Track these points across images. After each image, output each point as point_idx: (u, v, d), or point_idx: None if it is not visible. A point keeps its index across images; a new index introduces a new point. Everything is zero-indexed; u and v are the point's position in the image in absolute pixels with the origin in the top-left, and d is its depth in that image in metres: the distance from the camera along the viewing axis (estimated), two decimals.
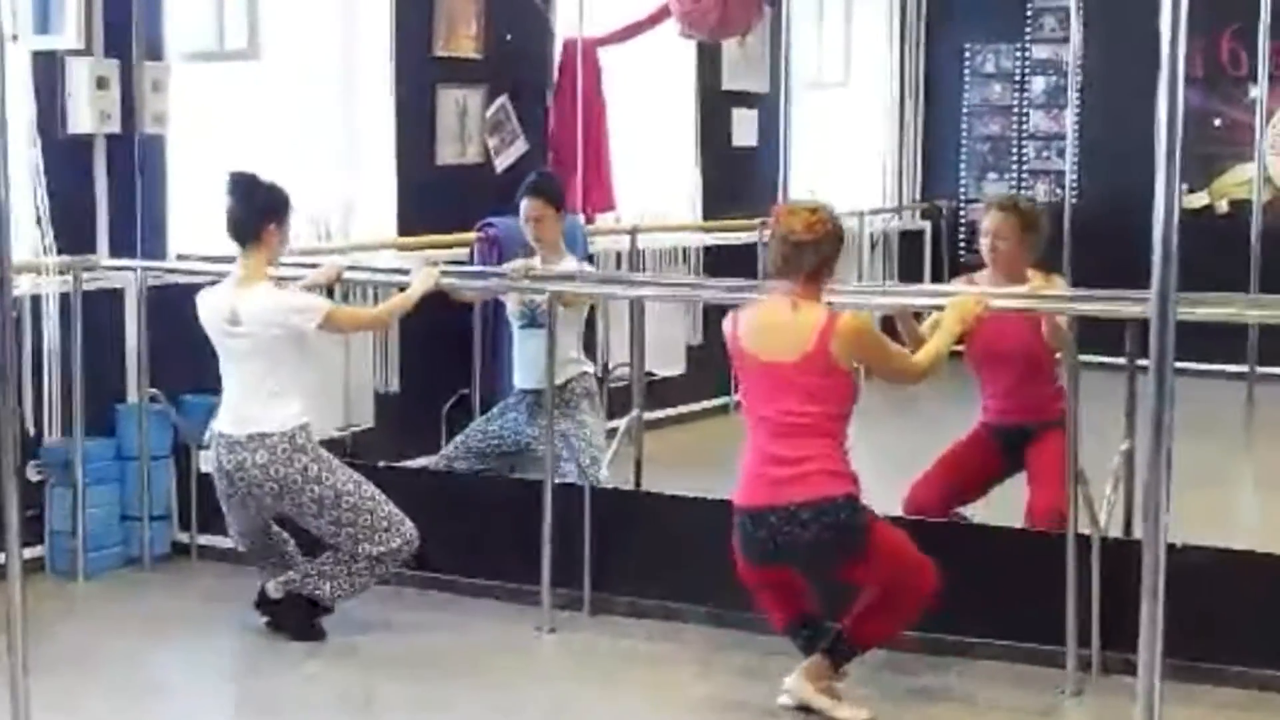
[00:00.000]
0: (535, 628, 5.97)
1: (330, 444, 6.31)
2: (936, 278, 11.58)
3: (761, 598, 5.20)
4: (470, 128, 8.50)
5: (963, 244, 12.21)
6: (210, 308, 5.77)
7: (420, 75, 8.15)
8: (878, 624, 5.06)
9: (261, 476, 5.65)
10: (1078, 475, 5.30)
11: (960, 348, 5.71)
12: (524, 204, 7.00)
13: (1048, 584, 5.32)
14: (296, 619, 5.79)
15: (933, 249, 12.07)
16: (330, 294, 6.53)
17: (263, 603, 5.84)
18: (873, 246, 11.33)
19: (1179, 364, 3.33)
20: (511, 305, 7.01)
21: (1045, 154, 12.09)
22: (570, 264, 7.02)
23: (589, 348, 7.39)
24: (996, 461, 6.03)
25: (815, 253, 4.96)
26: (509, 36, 8.63)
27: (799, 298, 4.97)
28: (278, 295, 5.76)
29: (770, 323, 5.00)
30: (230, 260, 5.93)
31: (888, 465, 6.26)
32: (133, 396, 6.81)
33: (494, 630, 5.99)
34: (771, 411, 4.95)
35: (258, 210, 5.74)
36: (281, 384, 5.68)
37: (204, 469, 6.66)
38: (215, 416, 5.84)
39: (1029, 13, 12.29)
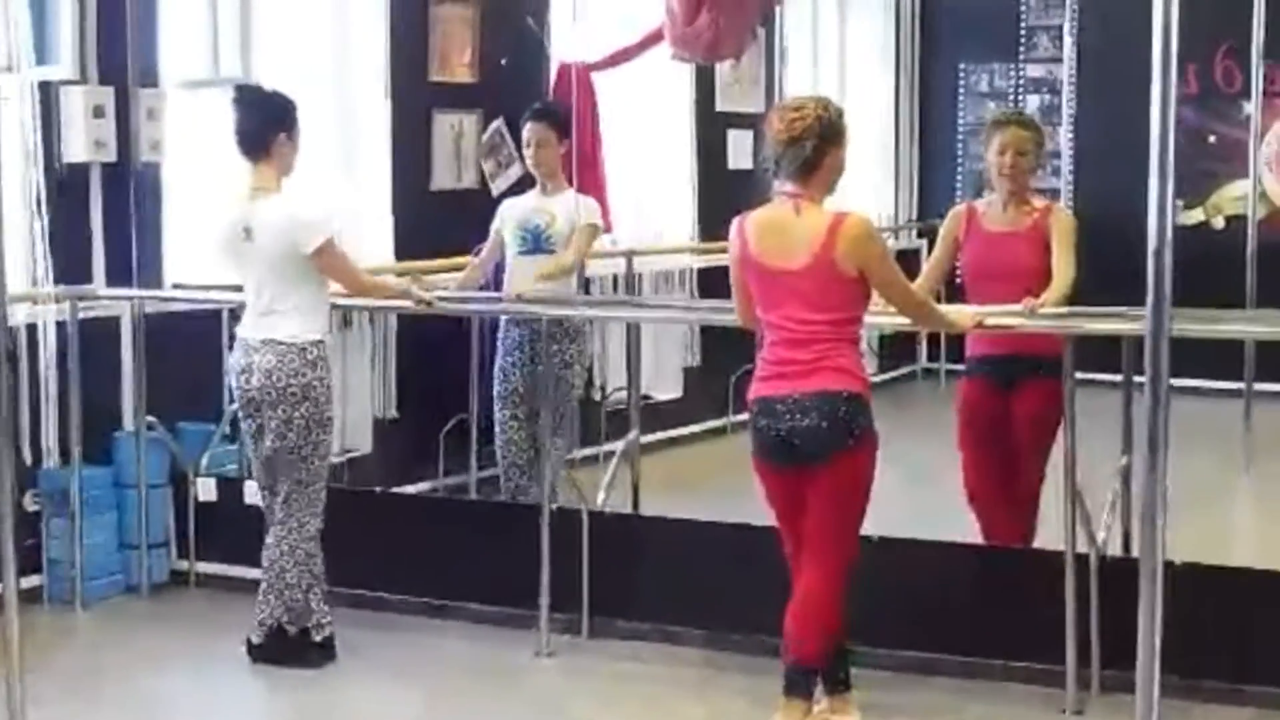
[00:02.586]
0: (534, 652, 5.96)
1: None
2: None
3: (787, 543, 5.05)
4: (466, 152, 8.50)
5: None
6: (226, 224, 5.75)
7: (416, 100, 8.16)
8: (827, 618, 4.93)
9: (263, 381, 5.66)
10: (1076, 493, 5.30)
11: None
12: (525, 129, 7.04)
13: (1047, 603, 5.31)
14: (287, 649, 5.79)
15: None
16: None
17: (252, 649, 5.83)
18: None
19: (1175, 380, 3.33)
20: (509, 232, 7.03)
21: (1040, 172, 12.09)
22: (568, 197, 7.04)
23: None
24: (998, 403, 5.94)
25: (802, 150, 4.83)
26: (504, 61, 8.64)
27: (800, 200, 4.85)
28: (290, 206, 5.73)
29: (774, 227, 4.88)
30: (235, 289, 5.95)
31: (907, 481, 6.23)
32: (130, 425, 6.80)
33: (493, 654, 5.98)
34: (779, 318, 4.87)
35: (267, 121, 5.73)
36: (302, 303, 5.71)
37: (202, 497, 6.68)
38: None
39: (1023, 32, 12.31)
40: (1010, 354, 5.86)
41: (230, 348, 6.10)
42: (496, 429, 7.05)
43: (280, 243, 5.65)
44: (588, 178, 8.45)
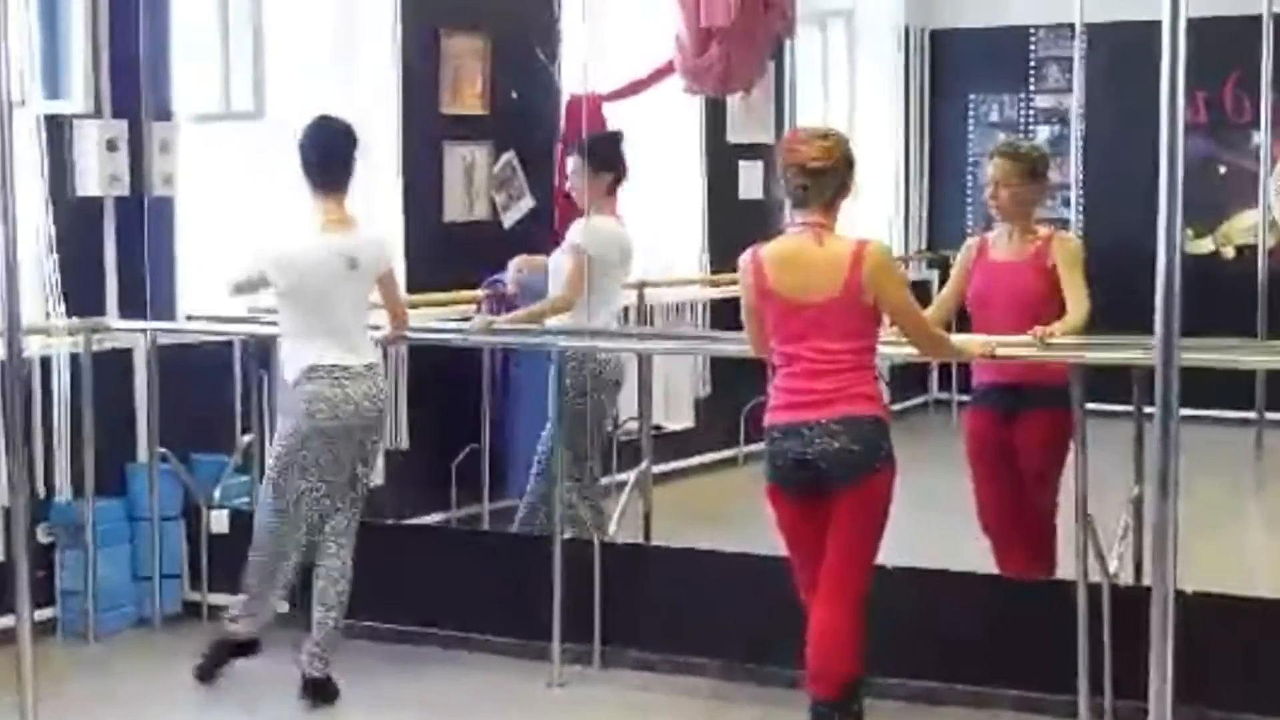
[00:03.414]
0: (546, 682, 5.96)
1: None
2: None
3: (799, 570, 5.02)
4: (477, 184, 8.53)
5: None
6: (321, 257, 5.72)
7: (427, 132, 8.19)
8: (852, 650, 4.91)
9: (370, 406, 5.74)
10: (1087, 523, 5.30)
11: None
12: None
13: (1059, 632, 5.31)
14: (327, 685, 5.80)
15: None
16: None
17: (318, 688, 5.79)
18: None
19: (1185, 410, 3.33)
20: None
21: (1050, 202, 12.06)
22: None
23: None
24: (1003, 433, 5.96)
25: (834, 178, 4.89)
26: (515, 93, 8.67)
27: (823, 230, 4.89)
28: (376, 232, 6.21)
29: (794, 260, 4.89)
30: (243, 321, 5.97)
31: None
32: (143, 456, 6.82)
33: (505, 685, 5.98)
34: (805, 350, 4.87)
35: (354, 151, 5.89)
36: (368, 322, 5.93)
37: (214, 529, 6.69)
38: (290, 356, 5.78)
39: (1032, 63, 12.33)
40: (1013, 384, 5.89)
41: (245, 378, 6.14)
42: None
43: (375, 269, 5.87)
44: None
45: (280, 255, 5.75)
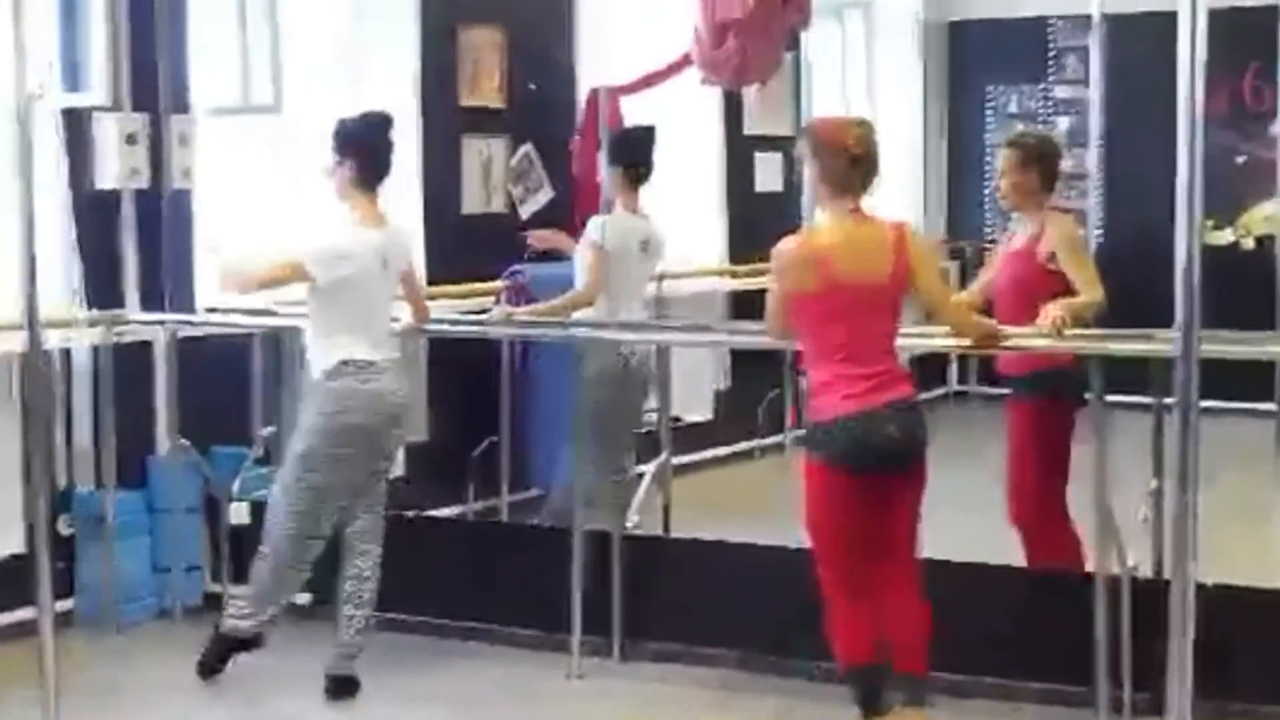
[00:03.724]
0: (565, 675, 5.97)
1: None
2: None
3: (849, 579, 5.04)
4: (495, 176, 8.54)
5: None
6: (360, 252, 5.70)
7: (445, 125, 8.20)
8: (930, 624, 5.04)
9: (395, 401, 5.77)
10: (1107, 515, 5.29)
11: None
12: None
13: (1078, 624, 5.30)
14: (351, 682, 5.82)
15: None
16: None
17: (341, 685, 5.81)
18: None
19: (1205, 402, 3.34)
20: None
21: (1069, 193, 12.02)
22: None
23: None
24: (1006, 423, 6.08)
25: (874, 165, 5.00)
26: (533, 86, 8.67)
27: (859, 214, 4.98)
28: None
29: (848, 245, 4.93)
30: (262, 314, 5.99)
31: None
32: (163, 448, 6.84)
33: (524, 677, 5.99)
34: (862, 334, 4.91)
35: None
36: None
37: (234, 521, 6.70)
38: (318, 351, 5.77)
39: (1051, 53, 12.31)
40: (1002, 375, 6.05)
41: (265, 371, 6.15)
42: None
43: (400, 267, 5.89)
44: None
45: (325, 249, 5.68)
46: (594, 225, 6.98)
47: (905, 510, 5.03)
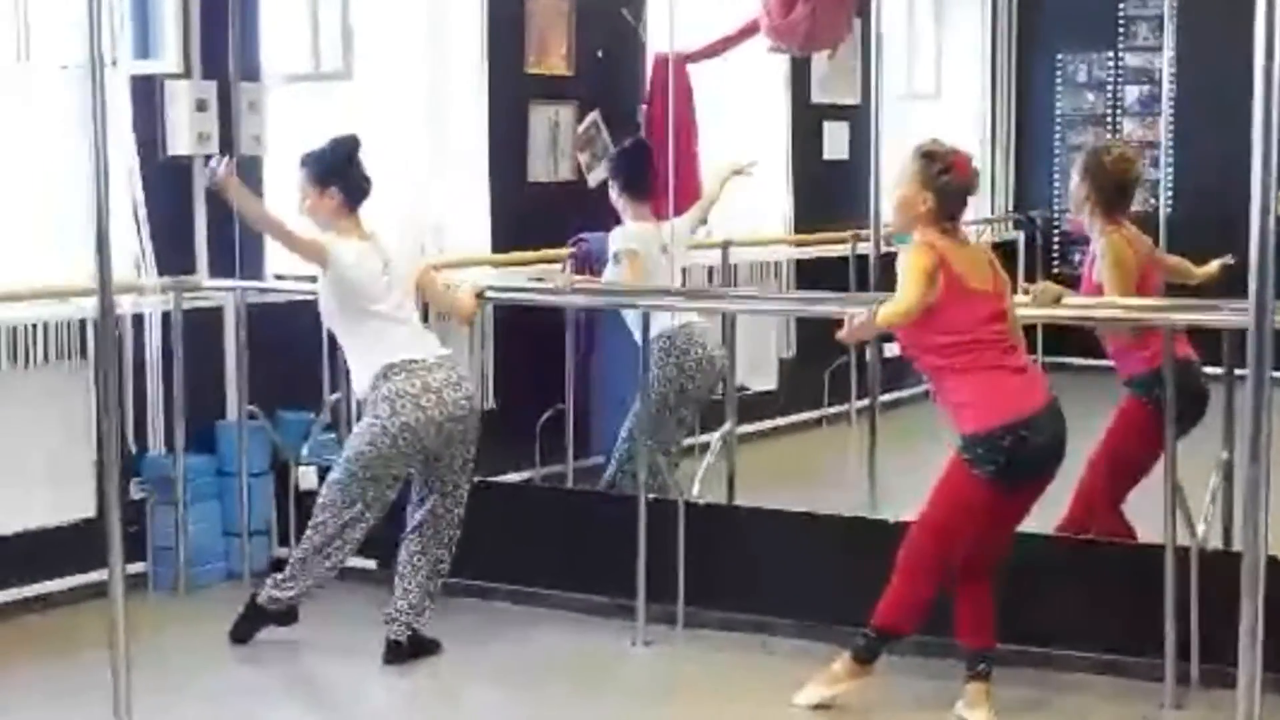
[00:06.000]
0: (630, 642, 5.99)
1: None
2: None
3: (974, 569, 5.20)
4: (562, 144, 8.54)
5: (1056, 254, 12.13)
6: (368, 265, 5.78)
7: (512, 93, 8.20)
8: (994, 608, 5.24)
9: (456, 395, 5.75)
10: (1176, 487, 5.26)
11: None
12: None
13: (1146, 597, 5.28)
14: (415, 644, 5.86)
15: (1026, 259, 11.98)
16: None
17: (401, 649, 5.84)
18: None
19: (1278, 373, 3.31)
20: None
21: (1142, 164, 11.98)
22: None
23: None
24: None
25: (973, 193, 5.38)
26: (600, 53, 8.67)
27: (959, 237, 5.24)
28: (398, 245, 6.26)
29: (969, 259, 5.18)
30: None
31: None
32: (232, 414, 6.89)
33: (589, 644, 6.02)
34: (990, 334, 5.10)
35: None
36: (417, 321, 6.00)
37: (302, 486, 6.76)
38: (360, 361, 5.81)
39: (1121, 21, 12.19)
40: (1121, 376, 6.11)
41: (332, 337, 6.17)
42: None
43: (405, 267, 5.93)
44: (683, 170, 8.47)
45: (344, 246, 5.76)
46: (619, 236, 7.19)
47: (1027, 509, 5.22)
